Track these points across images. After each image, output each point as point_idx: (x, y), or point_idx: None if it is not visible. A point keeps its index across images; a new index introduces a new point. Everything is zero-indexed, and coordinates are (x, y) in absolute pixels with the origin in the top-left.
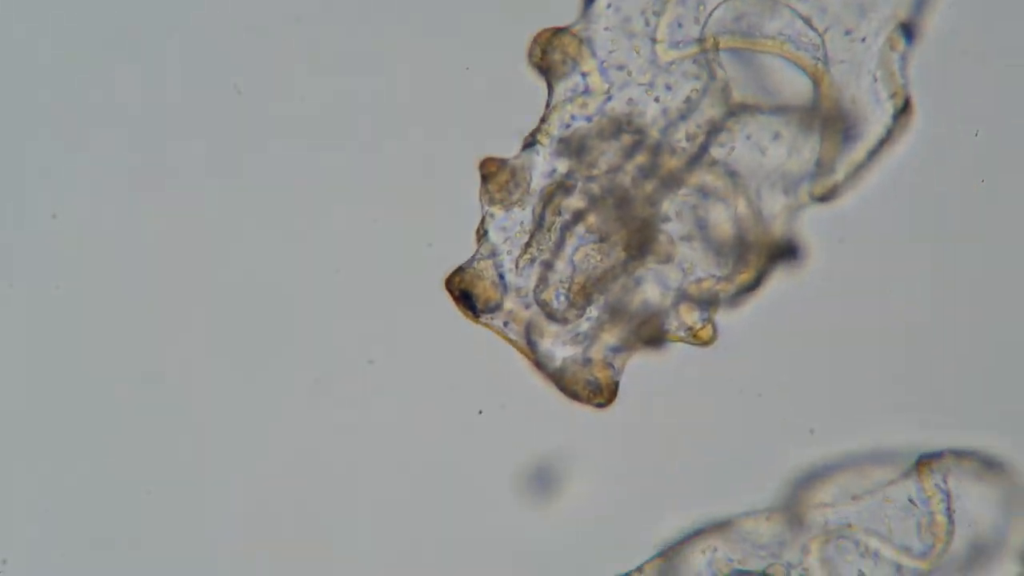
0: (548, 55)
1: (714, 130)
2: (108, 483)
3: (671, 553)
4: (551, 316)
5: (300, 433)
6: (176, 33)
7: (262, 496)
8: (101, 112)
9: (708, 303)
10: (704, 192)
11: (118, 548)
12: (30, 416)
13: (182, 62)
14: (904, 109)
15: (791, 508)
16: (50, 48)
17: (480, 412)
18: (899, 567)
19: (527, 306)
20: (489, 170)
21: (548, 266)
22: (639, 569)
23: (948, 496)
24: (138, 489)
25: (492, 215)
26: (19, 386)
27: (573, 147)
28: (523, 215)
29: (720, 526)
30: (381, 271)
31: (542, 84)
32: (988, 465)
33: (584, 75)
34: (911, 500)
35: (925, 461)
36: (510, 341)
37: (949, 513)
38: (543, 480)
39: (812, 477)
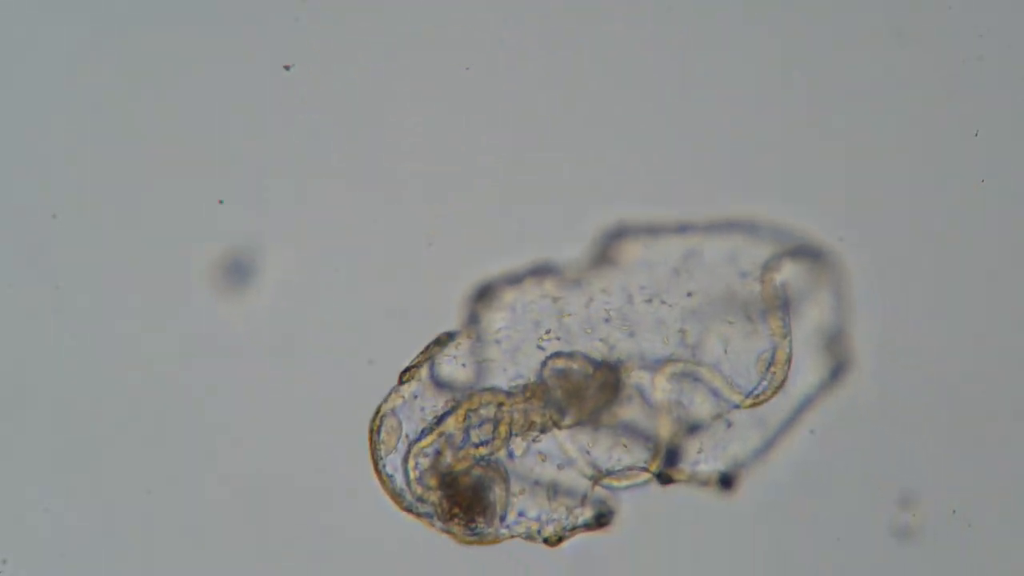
0: None
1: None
2: (107, 483)
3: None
4: None
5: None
6: (177, 32)
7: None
8: (101, 111)
9: None
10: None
11: (118, 548)
12: (29, 416)
13: (183, 62)
14: None
15: (607, 257)
16: (50, 47)
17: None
18: (720, 397)
19: None
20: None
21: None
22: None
23: (788, 315)
24: (138, 489)
25: None
26: (18, 386)
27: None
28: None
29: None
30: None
31: (551, 91)
32: (810, 257)
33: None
34: (750, 317)
35: (768, 273)
36: None
37: (790, 344)
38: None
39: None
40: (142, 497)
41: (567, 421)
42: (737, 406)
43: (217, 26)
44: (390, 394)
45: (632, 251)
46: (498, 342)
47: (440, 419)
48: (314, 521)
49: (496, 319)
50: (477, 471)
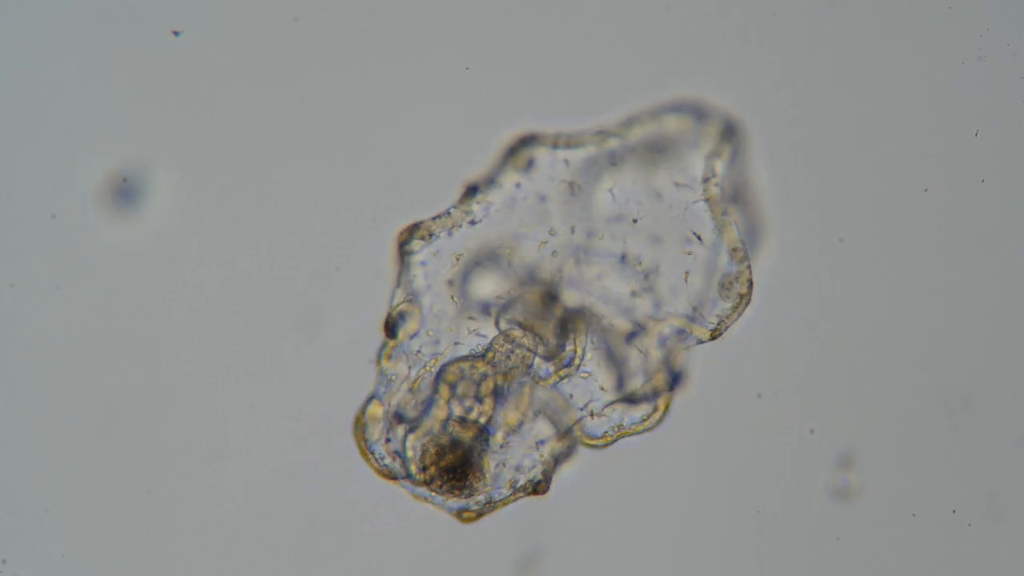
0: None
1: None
2: (107, 483)
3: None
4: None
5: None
6: (175, 32)
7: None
8: (100, 110)
9: None
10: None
11: (117, 548)
12: (29, 416)
13: (183, 61)
14: None
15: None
16: (50, 48)
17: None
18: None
19: None
20: None
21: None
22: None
23: (740, 231)
24: (138, 489)
25: None
26: (18, 386)
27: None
28: None
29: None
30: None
31: (546, 88)
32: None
33: None
34: (697, 236)
35: (711, 189)
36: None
37: (750, 265)
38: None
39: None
40: (142, 497)
41: (548, 355)
42: (703, 341)
43: (216, 25)
44: (371, 400)
45: (560, 174)
46: (452, 297)
47: (428, 406)
48: (313, 516)
49: (435, 278)
50: (468, 445)
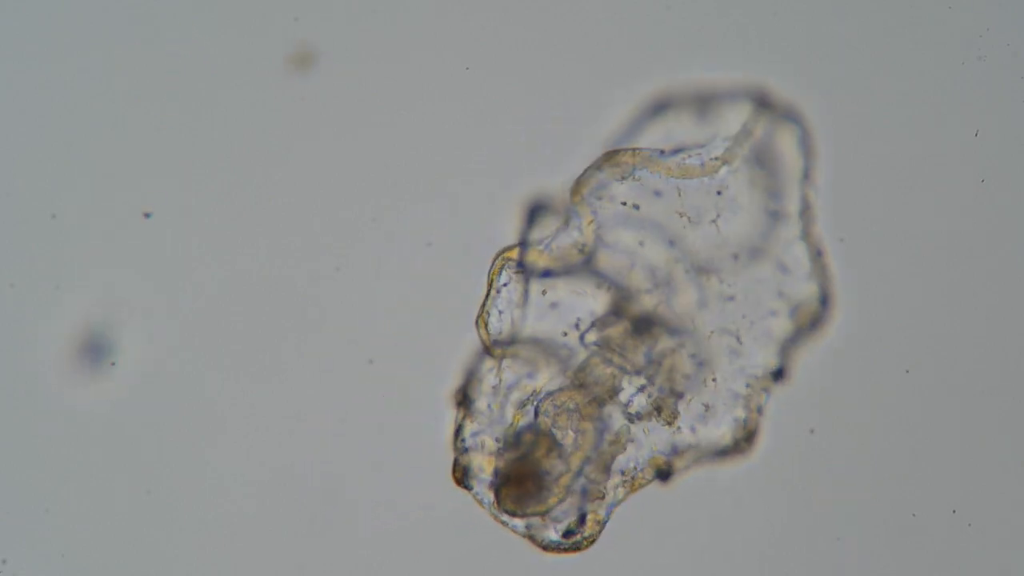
0: None
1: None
2: (107, 483)
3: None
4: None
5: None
6: (175, 32)
7: (256, 492)
8: (100, 110)
9: None
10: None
11: (117, 548)
12: (29, 416)
13: (183, 60)
14: None
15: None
16: (50, 48)
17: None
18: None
19: None
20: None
21: None
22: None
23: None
24: (138, 489)
25: None
26: (18, 386)
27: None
28: None
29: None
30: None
31: (548, 89)
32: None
33: None
34: (786, 270)
35: (811, 223)
36: None
37: (830, 307)
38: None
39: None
40: (142, 497)
41: (636, 371)
42: (769, 383)
43: (216, 25)
44: (464, 454)
45: (673, 203)
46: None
47: (529, 444)
48: (319, 521)
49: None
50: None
